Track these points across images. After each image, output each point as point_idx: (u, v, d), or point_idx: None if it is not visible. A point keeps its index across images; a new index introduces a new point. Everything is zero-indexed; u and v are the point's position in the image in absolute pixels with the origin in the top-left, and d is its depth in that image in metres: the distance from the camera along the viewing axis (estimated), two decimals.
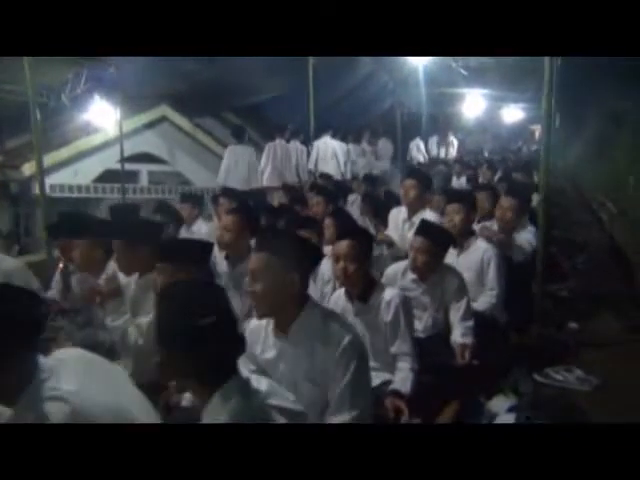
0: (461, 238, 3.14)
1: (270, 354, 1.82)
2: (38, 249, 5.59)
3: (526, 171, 6.93)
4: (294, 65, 6.78)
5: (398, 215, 3.98)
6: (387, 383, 2.22)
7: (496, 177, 7.29)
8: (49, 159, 7.03)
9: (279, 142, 7.27)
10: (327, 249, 2.92)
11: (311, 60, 7.02)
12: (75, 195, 7.84)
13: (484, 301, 3.05)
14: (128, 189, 7.84)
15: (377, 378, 2.19)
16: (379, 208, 4.36)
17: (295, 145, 7.58)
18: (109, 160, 7.86)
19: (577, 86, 7.11)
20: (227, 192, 4.90)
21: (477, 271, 3.10)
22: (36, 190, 5.05)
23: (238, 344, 1.35)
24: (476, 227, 3.63)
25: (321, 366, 1.71)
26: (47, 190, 6.72)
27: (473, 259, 3.13)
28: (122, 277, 2.50)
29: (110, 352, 2.32)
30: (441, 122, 13.66)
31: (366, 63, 8.89)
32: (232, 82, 7.33)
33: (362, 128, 9.82)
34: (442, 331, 2.71)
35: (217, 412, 1.24)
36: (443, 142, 13.07)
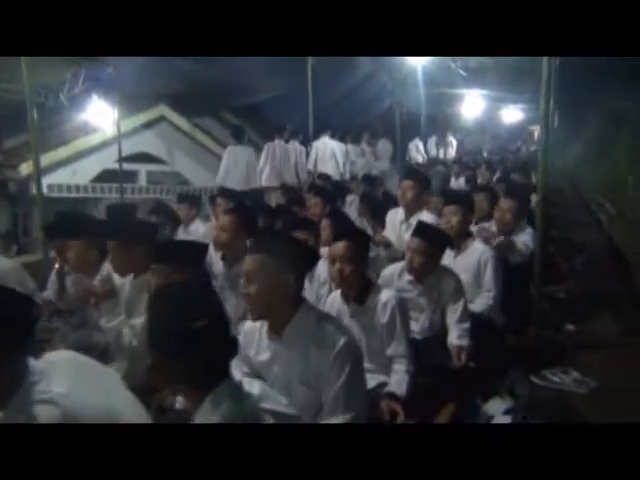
0: (458, 239, 3.14)
1: (264, 356, 1.81)
2: (36, 249, 5.58)
3: (524, 172, 6.92)
4: (293, 65, 6.77)
5: (395, 216, 3.97)
6: (383, 385, 2.20)
7: (495, 177, 7.28)
8: (47, 159, 7.03)
9: (278, 142, 7.27)
10: (324, 250, 2.91)
11: (310, 60, 7.01)
12: (73, 195, 7.84)
13: (481, 302, 3.04)
14: (126, 189, 7.81)
15: (373, 380, 2.18)
16: (377, 209, 4.35)
17: (294, 145, 7.58)
18: (107, 160, 7.84)
19: (577, 86, 7.11)
20: (224, 192, 4.89)
21: (474, 272, 3.10)
22: (34, 190, 5.03)
23: (230, 347, 1.34)
24: (474, 228, 3.62)
25: (315, 369, 1.70)
26: (45, 190, 6.74)
27: (470, 260, 3.13)
28: (117, 278, 2.49)
29: (104, 353, 2.31)
30: (440, 122, 13.68)
31: (365, 63, 8.88)
32: (231, 82, 7.31)
33: (362, 128, 9.82)
34: (439, 333, 2.70)
35: (208, 416, 1.22)
36: (442, 142, 13.08)
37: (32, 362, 1.33)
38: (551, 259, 4.44)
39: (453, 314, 2.66)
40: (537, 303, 3.49)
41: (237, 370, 1.70)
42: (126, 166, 7.47)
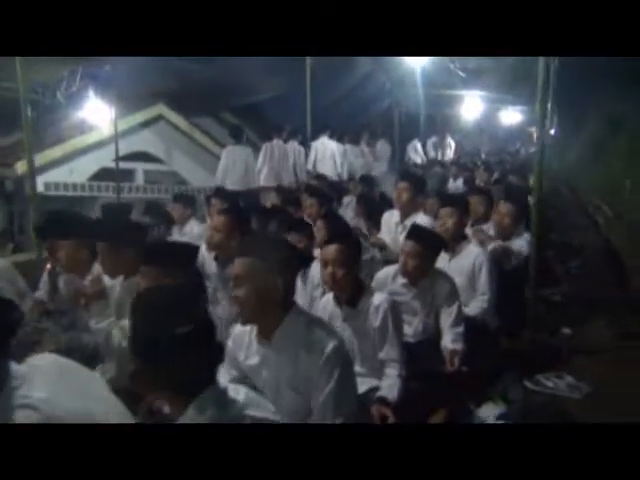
0: (453, 242, 3.12)
1: (253, 360, 1.79)
2: (32, 247, 5.55)
3: (523, 173, 6.91)
4: (292, 65, 6.74)
5: (391, 218, 3.95)
6: (375, 389, 2.18)
7: (493, 179, 7.27)
8: (44, 157, 7.01)
9: (276, 142, 7.24)
10: (319, 252, 2.89)
11: (309, 60, 6.98)
12: (70, 193, 7.80)
13: (475, 306, 3.02)
14: (124, 188, 7.79)
15: (365, 384, 2.17)
16: (373, 210, 4.33)
17: (293, 145, 7.55)
18: (105, 158, 7.80)
19: (575, 88, 7.11)
20: (219, 192, 4.86)
21: (469, 276, 3.08)
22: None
23: (216, 353, 1.32)
24: (469, 231, 3.61)
25: (304, 373, 1.68)
26: (42, 188, 6.75)
27: (465, 264, 3.11)
28: (107, 279, 2.46)
29: (94, 354, 2.29)
30: (439, 123, 13.66)
31: (364, 63, 8.87)
32: (230, 82, 7.30)
33: (361, 129, 9.79)
34: (432, 336, 2.68)
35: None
36: (440, 144, 13.06)
37: (14, 366, 1.31)
38: (546, 262, 4.43)
39: (447, 317, 2.64)
40: (532, 306, 3.48)
41: (226, 374, 1.68)
42: (123, 165, 7.44)
